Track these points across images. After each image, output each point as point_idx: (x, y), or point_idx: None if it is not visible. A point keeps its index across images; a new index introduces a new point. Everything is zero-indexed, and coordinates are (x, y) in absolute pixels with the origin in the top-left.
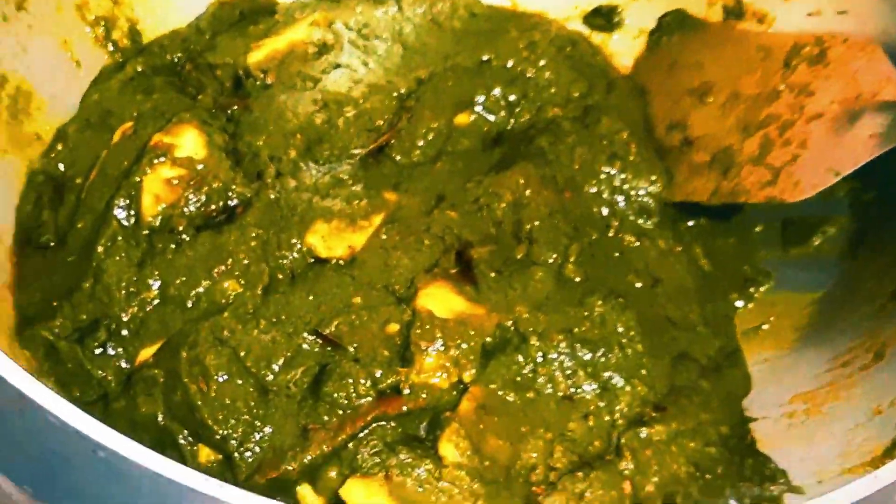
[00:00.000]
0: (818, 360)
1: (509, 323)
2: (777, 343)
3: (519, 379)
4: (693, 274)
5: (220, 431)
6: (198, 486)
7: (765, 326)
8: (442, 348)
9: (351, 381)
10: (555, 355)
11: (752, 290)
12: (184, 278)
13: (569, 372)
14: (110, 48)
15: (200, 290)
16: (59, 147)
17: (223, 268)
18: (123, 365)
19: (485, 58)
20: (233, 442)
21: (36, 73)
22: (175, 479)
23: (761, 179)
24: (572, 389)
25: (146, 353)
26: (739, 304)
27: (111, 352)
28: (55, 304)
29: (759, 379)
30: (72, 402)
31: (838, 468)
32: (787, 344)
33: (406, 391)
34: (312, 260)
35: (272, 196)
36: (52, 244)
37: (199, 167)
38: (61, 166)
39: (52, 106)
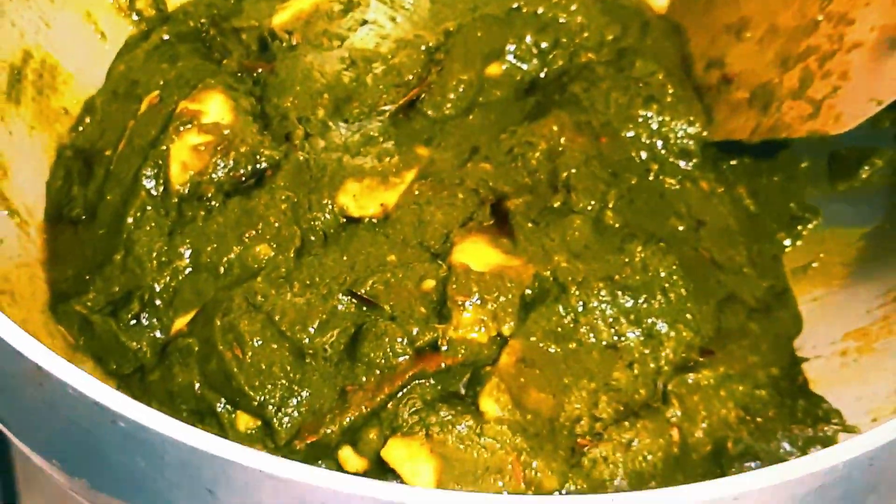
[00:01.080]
0: (869, 295)
1: (548, 273)
2: (827, 280)
3: (560, 330)
4: (737, 214)
5: (258, 397)
6: (222, 453)
7: (814, 264)
8: (479, 302)
9: (388, 339)
10: (596, 304)
11: (799, 227)
12: (215, 245)
13: (611, 320)
14: (135, 18)
15: (232, 256)
16: (87, 120)
17: (254, 232)
18: (158, 335)
19: (514, 5)
20: (271, 407)
21: (60, 47)
22: (198, 447)
23: (802, 113)
24: (615, 338)
25: (180, 323)
26: (787, 243)
27: (145, 323)
28: (87, 277)
29: (810, 318)
30: (109, 376)
31: (893, 405)
32: (837, 281)
33: (444, 348)
34: (344, 220)
35: (301, 157)
36: (83, 218)
37: (226, 132)
38: (90, 139)
39: (79, 79)
